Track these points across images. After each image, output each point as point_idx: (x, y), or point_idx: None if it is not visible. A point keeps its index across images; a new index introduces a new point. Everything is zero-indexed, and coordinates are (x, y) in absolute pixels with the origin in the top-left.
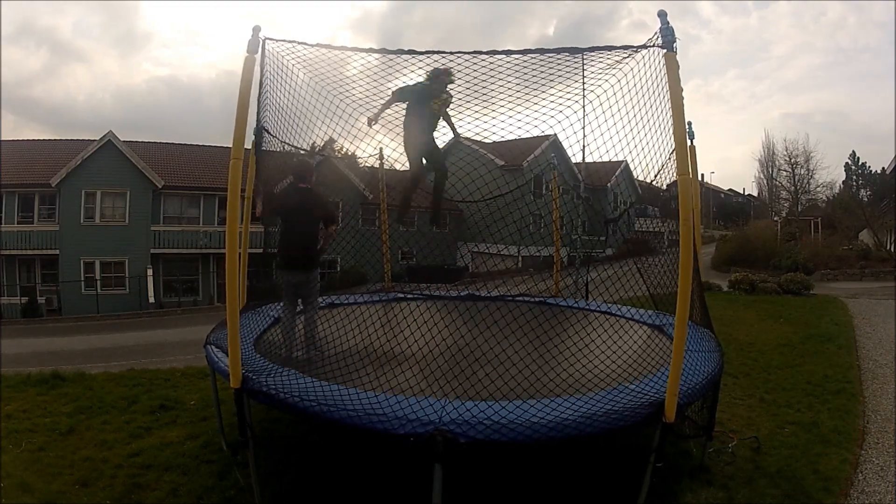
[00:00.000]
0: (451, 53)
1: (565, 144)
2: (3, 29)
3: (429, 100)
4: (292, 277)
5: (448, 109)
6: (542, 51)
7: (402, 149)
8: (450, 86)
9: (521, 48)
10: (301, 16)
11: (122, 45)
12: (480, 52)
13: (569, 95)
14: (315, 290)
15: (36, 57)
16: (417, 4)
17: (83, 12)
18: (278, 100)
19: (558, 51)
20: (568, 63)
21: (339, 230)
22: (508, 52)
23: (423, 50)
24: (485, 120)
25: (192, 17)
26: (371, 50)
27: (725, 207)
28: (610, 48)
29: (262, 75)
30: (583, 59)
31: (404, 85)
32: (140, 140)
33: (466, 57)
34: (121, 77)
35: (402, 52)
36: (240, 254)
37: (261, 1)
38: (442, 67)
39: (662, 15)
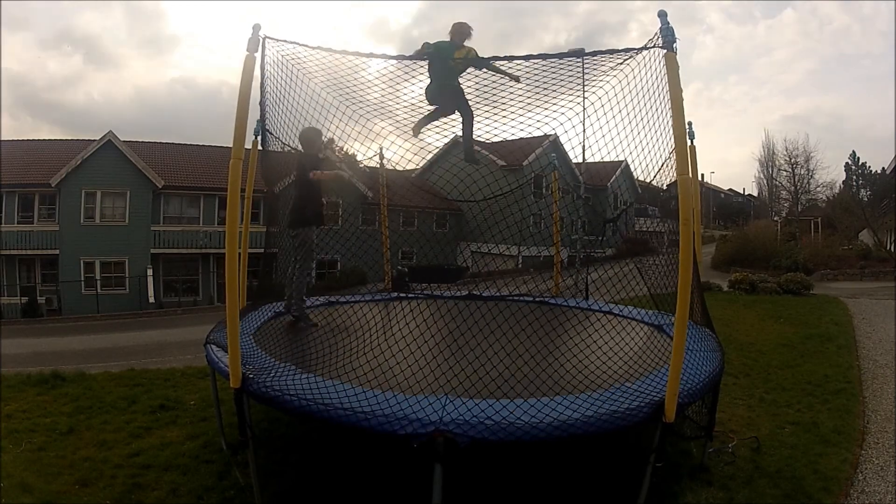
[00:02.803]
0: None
1: (568, 146)
2: (35, 34)
3: (450, 53)
4: (288, 236)
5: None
6: (544, 56)
7: (402, 150)
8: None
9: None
10: (321, 22)
11: (147, 48)
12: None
13: (573, 98)
14: (301, 249)
15: (56, 61)
16: (440, 14)
17: (100, 16)
18: (279, 99)
19: (561, 56)
20: (573, 67)
21: (339, 229)
22: (511, 58)
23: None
24: (494, 122)
25: (215, 22)
26: (371, 55)
27: (725, 207)
28: (612, 52)
29: (262, 75)
30: (583, 62)
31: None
32: (141, 140)
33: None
34: (142, 80)
35: (402, 57)
36: (240, 254)
37: (276, 2)
38: (460, 22)
39: (662, 15)
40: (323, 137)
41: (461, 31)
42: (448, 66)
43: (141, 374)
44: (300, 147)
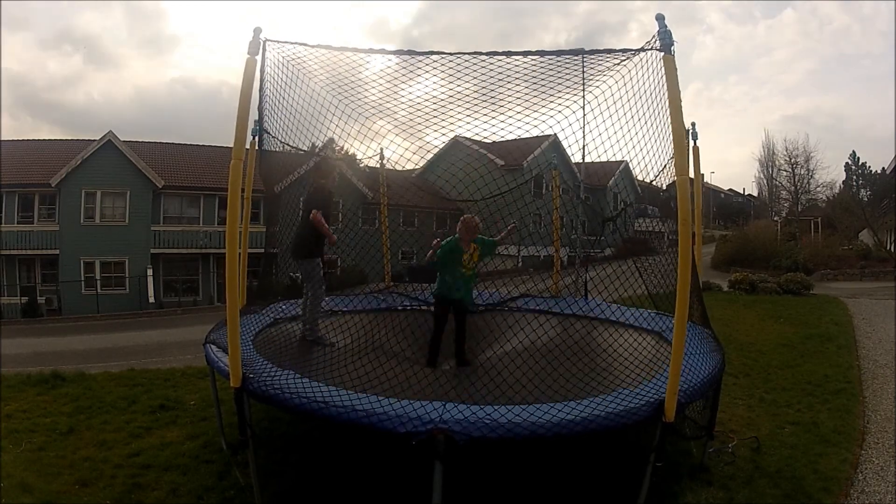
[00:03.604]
0: (451, 54)
1: (566, 145)
2: (34, 34)
3: (460, 253)
4: (296, 266)
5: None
6: (542, 53)
7: (402, 150)
8: (465, 99)
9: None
10: (321, 22)
11: (147, 48)
12: (480, 53)
13: (571, 97)
14: (312, 278)
15: (57, 61)
16: (440, 14)
17: (100, 16)
18: (279, 100)
19: (559, 53)
20: (571, 67)
21: (339, 229)
22: (508, 54)
23: (424, 51)
24: (493, 121)
25: (215, 22)
26: (371, 51)
27: (725, 207)
28: (610, 51)
29: (262, 77)
30: (583, 60)
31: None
32: (141, 140)
33: (469, 58)
34: (142, 80)
35: (401, 52)
36: (240, 254)
37: (276, 2)
38: (466, 217)
39: (660, 19)
40: (335, 172)
41: (469, 228)
42: (459, 267)
43: (141, 374)
44: (313, 170)
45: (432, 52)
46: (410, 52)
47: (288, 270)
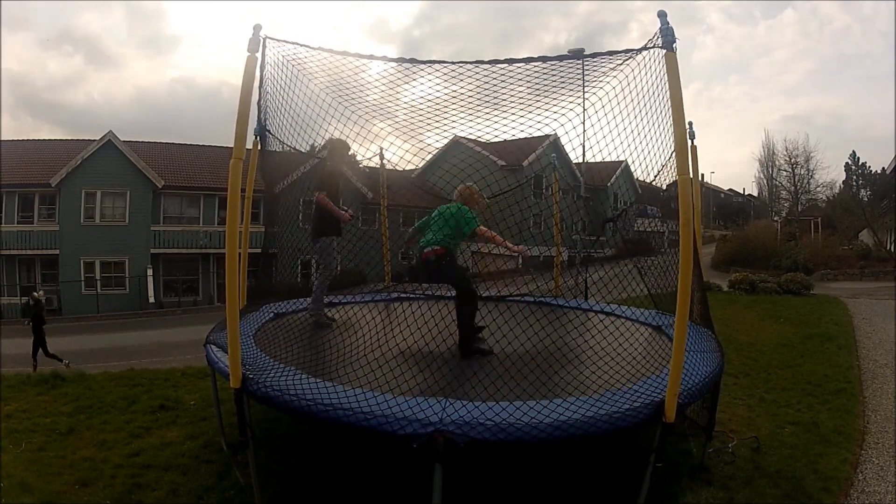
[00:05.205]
0: (454, 63)
1: (568, 147)
2: (34, 35)
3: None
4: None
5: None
6: (544, 59)
7: (402, 150)
8: (465, 100)
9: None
10: (321, 22)
11: (147, 48)
12: (482, 62)
13: (573, 98)
14: (323, 258)
15: (57, 61)
16: (440, 14)
17: (100, 16)
18: (279, 99)
19: (561, 58)
20: (573, 69)
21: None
22: (511, 61)
23: (427, 59)
24: (495, 122)
25: (215, 22)
26: (372, 57)
27: (725, 207)
28: (612, 53)
29: (262, 75)
30: (583, 63)
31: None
32: (141, 140)
33: (471, 66)
34: (142, 80)
35: (402, 59)
36: (240, 254)
37: (276, 2)
38: (464, 186)
39: (662, 15)
40: (350, 151)
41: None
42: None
43: (141, 374)
44: (326, 154)
45: (433, 62)
46: (413, 61)
47: (294, 267)
